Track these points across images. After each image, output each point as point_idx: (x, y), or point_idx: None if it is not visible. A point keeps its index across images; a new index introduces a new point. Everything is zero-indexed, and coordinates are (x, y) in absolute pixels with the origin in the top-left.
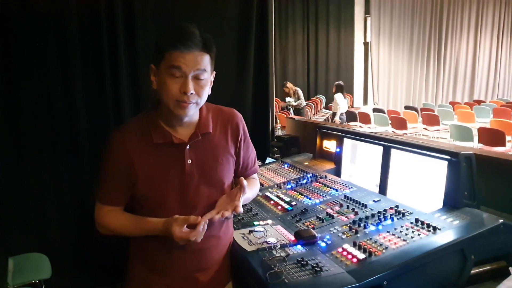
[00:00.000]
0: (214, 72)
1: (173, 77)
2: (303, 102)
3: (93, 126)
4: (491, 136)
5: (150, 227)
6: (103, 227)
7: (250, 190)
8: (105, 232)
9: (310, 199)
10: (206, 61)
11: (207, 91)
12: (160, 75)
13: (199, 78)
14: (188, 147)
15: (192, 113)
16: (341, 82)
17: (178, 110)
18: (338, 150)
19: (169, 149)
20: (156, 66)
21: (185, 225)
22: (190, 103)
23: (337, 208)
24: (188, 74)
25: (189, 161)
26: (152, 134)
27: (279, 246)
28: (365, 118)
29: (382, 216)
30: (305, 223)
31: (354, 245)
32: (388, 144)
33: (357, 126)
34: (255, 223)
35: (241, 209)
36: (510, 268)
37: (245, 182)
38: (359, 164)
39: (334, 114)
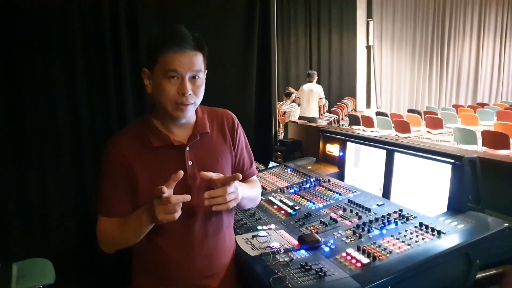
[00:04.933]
0: (206, 71)
1: (170, 79)
2: None
3: (96, 129)
4: (495, 139)
5: (135, 219)
6: (106, 243)
7: (254, 189)
8: (110, 249)
9: (313, 203)
10: (200, 60)
11: (203, 90)
12: (155, 78)
13: (195, 78)
14: (188, 149)
15: (190, 114)
16: None
17: (177, 112)
18: (341, 154)
19: (169, 152)
20: (149, 70)
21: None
22: (189, 104)
23: (340, 212)
24: (184, 76)
25: (190, 163)
26: (150, 138)
27: (282, 250)
28: (368, 122)
29: (386, 220)
30: (309, 228)
31: (358, 249)
32: (392, 147)
33: (360, 130)
34: (259, 227)
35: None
36: None
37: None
38: (362, 168)
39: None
